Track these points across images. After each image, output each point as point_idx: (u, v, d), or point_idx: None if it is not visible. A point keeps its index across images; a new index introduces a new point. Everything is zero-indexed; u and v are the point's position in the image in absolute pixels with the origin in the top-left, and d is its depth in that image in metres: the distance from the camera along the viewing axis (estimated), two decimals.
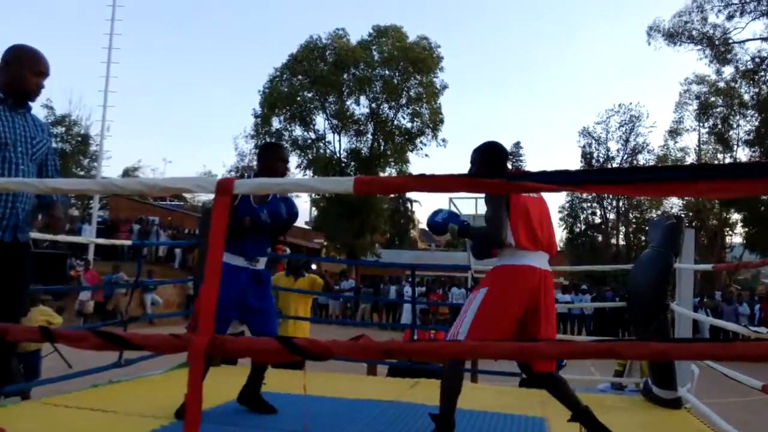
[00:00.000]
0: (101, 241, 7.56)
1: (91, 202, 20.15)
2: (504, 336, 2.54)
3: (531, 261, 2.60)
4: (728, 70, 27.05)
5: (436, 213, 2.86)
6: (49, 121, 28.94)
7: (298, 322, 5.29)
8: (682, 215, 25.17)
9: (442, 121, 27.23)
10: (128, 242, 6.85)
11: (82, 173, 28.95)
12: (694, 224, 25.71)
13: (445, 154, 74.94)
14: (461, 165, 57.80)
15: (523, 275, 2.58)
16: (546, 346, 0.92)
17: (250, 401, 3.15)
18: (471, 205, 21.36)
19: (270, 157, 3.19)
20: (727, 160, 28.70)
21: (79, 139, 29.72)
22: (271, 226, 3.11)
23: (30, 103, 2.47)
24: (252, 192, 1.01)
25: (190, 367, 1.04)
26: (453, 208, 22.34)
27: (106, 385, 3.70)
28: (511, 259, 2.63)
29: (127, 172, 35.45)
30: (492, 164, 2.77)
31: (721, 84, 27.88)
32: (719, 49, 25.99)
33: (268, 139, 28.06)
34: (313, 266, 5.61)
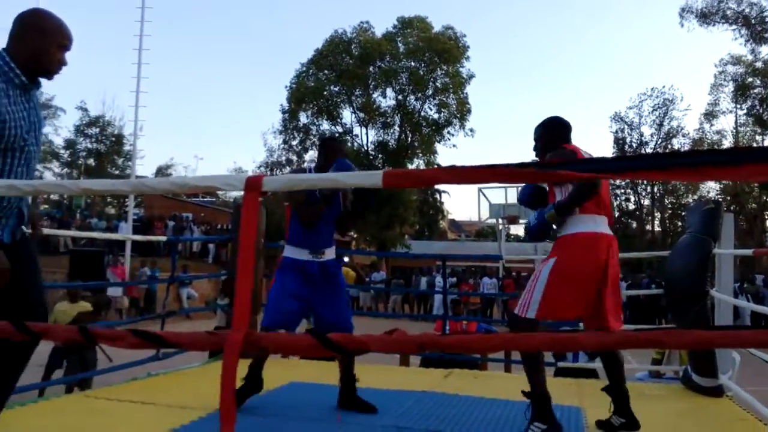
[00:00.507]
0: (137, 237, 7.74)
1: (127, 200, 20.62)
2: (577, 308, 2.52)
3: (597, 227, 2.55)
4: (765, 50, 26.15)
5: (527, 224, 2.92)
6: (84, 122, 29.73)
7: None
8: (720, 199, 24.50)
9: (469, 111, 27.00)
10: (163, 238, 6.97)
11: (117, 173, 29.64)
12: (732, 208, 25.00)
13: (473, 144, 74.31)
14: (490, 154, 57.37)
15: (593, 242, 2.52)
16: (585, 337, 0.90)
17: (349, 402, 3.03)
18: (501, 194, 21.23)
19: (334, 150, 3.15)
20: (767, 142, 27.81)
21: (113, 139, 30.42)
22: (334, 212, 3.11)
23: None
24: (281, 189, 1.02)
25: (224, 362, 1.05)
26: (482, 198, 22.05)
27: (145, 378, 3.78)
28: (576, 226, 2.57)
29: (161, 170, 36.12)
30: (556, 138, 2.79)
31: (759, 64, 26.95)
32: (756, 28, 25.10)
33: (296, 135, 28.27)
34: (345, 259, 5.67)
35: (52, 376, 5.63)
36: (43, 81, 2.08)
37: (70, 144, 30.40)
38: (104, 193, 2.16)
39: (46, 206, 24.29)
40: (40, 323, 1.28)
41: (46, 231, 3.46)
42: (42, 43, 1.97)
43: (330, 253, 3.12)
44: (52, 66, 2.02)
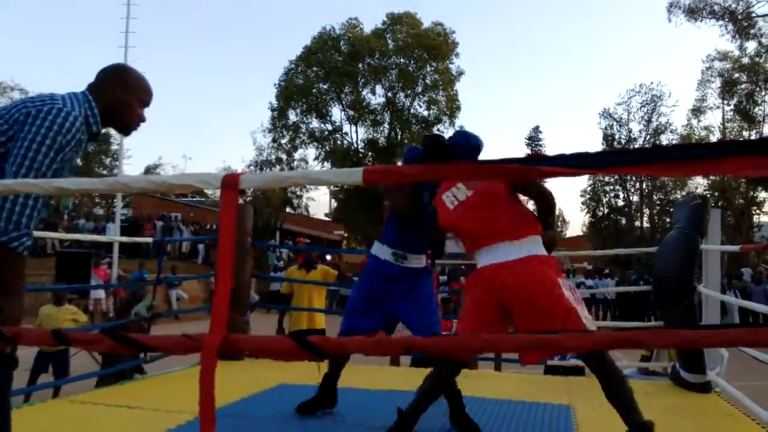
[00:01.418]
0: (123, 239, 7.66)
1: (115, 200, 20.45)
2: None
3: (483, 261, 2.41)
4: (752, 46, 26.38)
5: None
6: None
7: (312, 313, 5.37)
8: (708, 195, 24.68)
9: (459, 108, 27.07)
10: (150, 239, 6.90)
11: (104, 172, 29.41)
12: (720, 204, 25.23)
13: None
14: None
15: (479, 279, 2.41)
16: (566, 338, 0.88)
17: (459, 421, 2.76)
18: None
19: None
20: (753, 137, 28.03)
21: (101, 138, 30.19)
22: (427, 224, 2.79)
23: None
24: (259, 187, 0.98)
25: (202, 365, 1.02)
26: None
27: (132, 381, 3.74)
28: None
29: (149, 170, 35.91)
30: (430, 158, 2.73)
31: (745, 60, 27.19)
32: (742, 24, 25.33)
33: (285, 133, 28.16)
34: (328, 257, 5.67)
35: (37, 381, 5.57)
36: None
37: None
38: (79, 192, 2.09)
39: None
40: (12, 327, 1.24)
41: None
42: (126, 98, 1.97)
43: (415, 261, 2.92)
44: (132, 120, 2.02)
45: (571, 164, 0.99)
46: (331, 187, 28.88)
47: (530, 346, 0.88)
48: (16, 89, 29.74)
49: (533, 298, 2.26)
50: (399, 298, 2.84)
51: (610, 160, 1.03)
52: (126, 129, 2.05)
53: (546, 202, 2.62)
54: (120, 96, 1.95)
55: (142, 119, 2.04)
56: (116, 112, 1.96)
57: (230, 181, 1.08)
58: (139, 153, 67.20)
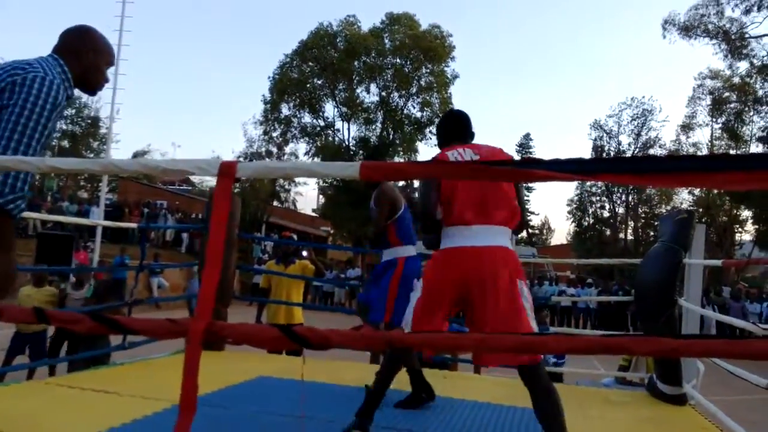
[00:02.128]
0: (107, 223, 7.58)
1: (100, 184, 20.20)
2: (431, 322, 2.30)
3: (467, 241, 2.21)
4: (743, 66, 26.72)
5: None
6: None
7: (290, 308, 5.33)
8: (693, 210, 24.94)
9: None
10: (134, 225, 6.83)
11: (91, 156, 29.07)
12: (704, 220, 25.53)
13: None
14: None
15: (451, 259, 2.23)
16: (553, 340, 0.89)
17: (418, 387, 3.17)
18: None
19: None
20: None
21: (89, 121, 29.81)
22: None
23: None
24: (255, 176, 0.98)
25: (187, 352, 1.02)
26: None
27: (109, 366, 3.71)
28: (444, 242, 2.31)
29: (137, 156, 35.57)
30: (447, 135, 2.66)
31: (736, 79, 27.54)
32: (735, 44, 25.64)
33: (276, 126, 28.04)
34: (304, 253, 5.63)
35: (13, 362, 5.50)
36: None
37: None
38: (73, 171, 2.08)
39: None
40: (3, 283, 1.23)
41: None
42: (95, 61, 2.06)
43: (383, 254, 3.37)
44: (100, 82, 2.13)
45: (564, 169, 1.00)
46: (320, 183, 28.82)
47: (518, 348, 0.89)
48: None
49: (500, 291, 2.14)
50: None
51: (602, 167, 1.04)
52: (94, 91, 2.15)
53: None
54: (92, 60, 2.04)
55: (107, 80, 2.16)
56: (88, 75, 2.05)
57: (227, 169, 1.08)
58: (127, 138, 66.59)
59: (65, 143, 29.73)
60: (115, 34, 16.10)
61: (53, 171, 1.21)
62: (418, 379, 3.14)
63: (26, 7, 47.88)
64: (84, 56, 2.02)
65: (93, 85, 2.11)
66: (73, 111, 29.35)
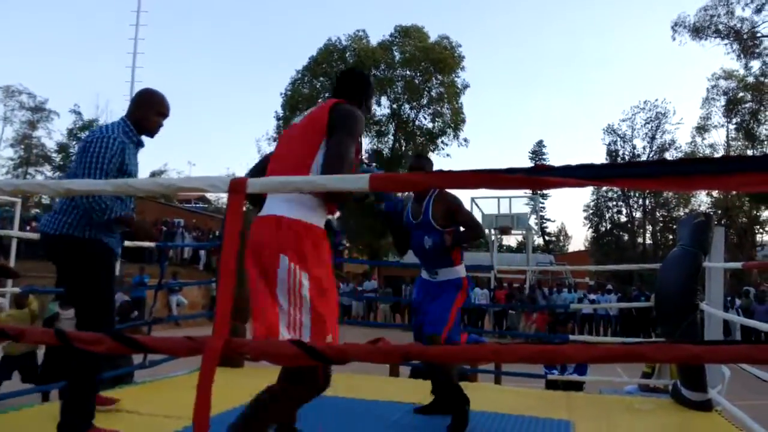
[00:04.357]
0: (126, 243, 7.63)
1: None
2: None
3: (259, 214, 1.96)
4: (756, 65, 26.44)
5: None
6: (77, 126, 29.58)
7: None
8: (711, 213, 24.62)
9: (463, 121, 27.09)
10: (152, 244, 6.86)
11: None
12: (723, 222, 25.17)
13: (467, 154, 74.57)
14: (483, 164, 57.43)
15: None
16: (572, 349, 0.88)
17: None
18: (494, 204, 21.28)
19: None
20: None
21: (115, 122, 30.21)
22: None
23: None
24: (265, 191, 0.98)
25: (202, 368, 1.02)
26: (475, 208, 21.98)
27: (131, 385, 3.72)
28: None
29: (154, 175, 36.00)
30: (352, 93, 2.19)
31: (750, 79, 27.25)
32: (747, 43, 25.40)
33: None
34: None
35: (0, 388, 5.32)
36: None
37: (62, 147, 30.21)
38: (88, 193, 2.14)
39: (37, 210, 24.10)
40: (13, 326, 1.25)
41: (30, 235, 3.82)
42: (146, 113, 2.74)
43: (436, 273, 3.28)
44: (153, 128, 2.78)
45: (577, 175, 0.99)
46: None
47: (537, 358, 0.88)
48: (24, 93, 29.96)
49: (261, 270, 1.80)
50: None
51: (616, 173, 1.04)
52: (149, 134, 2.80)
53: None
54: (143, 112, 2.74)
55: (160, 125, 2.81)
56: (142, 124, 2.74)
57: (237, 185, 1.09)
58: (144, 158, 67.42)
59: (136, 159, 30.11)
60: (129, 57, 16.38)
61: (70, 194, 1.23)
62: (445, 389, 3.09)
63: (35, 14, 48.89)
64: (138, 109, 2.74)
65: (146, 131, 2.78)
66: (88, 133, 29.79)
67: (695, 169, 0.88)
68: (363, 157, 2.50)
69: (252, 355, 1.09)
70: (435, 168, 3.42)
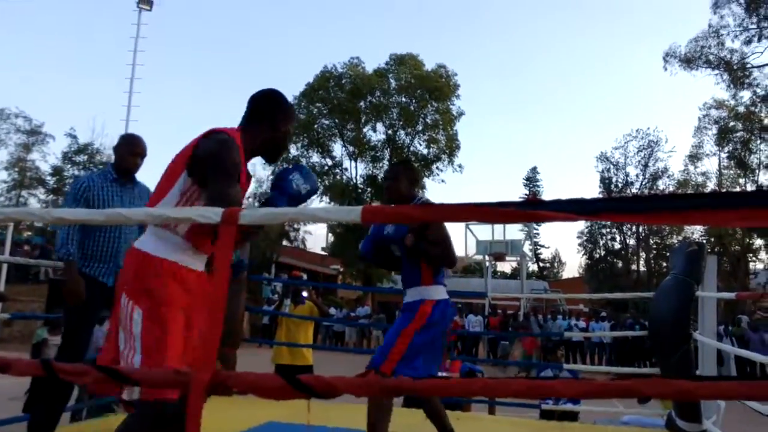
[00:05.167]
0: None
1: None
2: None
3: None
4: (747, 95, 26.85)
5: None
6: (72, 149, 29.57)
7: (297, 349, 5.29)
8: (704, 241, 24.73)
9: (458, 147, 27.28)
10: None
11: None
12: (716, 250, 25.27)
13: (461, 180, 75.02)
14: (478, 189, 57.63)
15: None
16: (562, 385, 0.87)
17: None
18: (488, 231, 21.32)
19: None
20: (748, 185, 28.26)
21: (101, 166, 30.18)
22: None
23: (137, 178, 3.18)
24: (259, 222, 0.97)
25: (189, 404, 1.00)
26: (469, 234, 21.94)
27: (116, 415, 3.66)
28: None
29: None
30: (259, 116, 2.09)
31: (741, 108, 27.64)
32: (737, 73, 25.83)
33: (285, 165, 28.31)
34: (304, 293, 5.62)
35: None
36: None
37: (57, 171, 30.12)
38: (78, 222, 2.12)
39: (29, 233, 23.95)
40: (1, 357, 1.23)
41: (20, 260, 4.02)
42: (121, 153, 3.14)
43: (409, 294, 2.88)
44: (130, 166, 3.12)
45: (569, 210, 0.99)
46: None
47: (528, 393, 0.87)
48: (20, 116, 30.00)
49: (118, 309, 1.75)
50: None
51: (608, 207, 1.04)
52: (129, 173, 3.17)
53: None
54: (117, 155, 3.19)
55: (138, 164, 3.18)
56: (119, 165, 3.15)
57: (230, 217, 1.08)
58: (141, 179, 67.26)
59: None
60: (126, 81, 16.49)
61: (59, 222, 1.22)
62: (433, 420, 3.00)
63: (30, 35, 49.25)
64: (116, 151, 3.24)
65: (125, 170, 3.14)
66: (86, 157, 29.77)
67: (688, 204, 0.89)
68: (276, 171, 2.37)
69: (238, 389, 1.07)
70: (427, 192, 3.17)
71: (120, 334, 1.66)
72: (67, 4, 52.46)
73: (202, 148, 1.81)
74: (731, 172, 30.00)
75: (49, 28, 49.46)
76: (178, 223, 1.70)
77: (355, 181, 28.07)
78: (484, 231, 21.40)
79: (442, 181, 27.98)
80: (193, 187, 1.78)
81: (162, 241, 1.75)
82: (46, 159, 30.39)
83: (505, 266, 37.80)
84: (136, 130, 25.63)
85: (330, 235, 31.63)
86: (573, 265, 70.42)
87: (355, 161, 28.17)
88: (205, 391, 1.00)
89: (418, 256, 2.78)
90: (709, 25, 25.89)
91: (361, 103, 27.20)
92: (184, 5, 55.65)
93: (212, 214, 1.17)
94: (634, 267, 34.45)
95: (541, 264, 46.73)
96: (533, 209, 1.01)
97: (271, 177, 28.79)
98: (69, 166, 30.02)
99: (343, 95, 27.00)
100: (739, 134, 28.39)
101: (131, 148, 3.13)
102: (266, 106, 2.06)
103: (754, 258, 30.00)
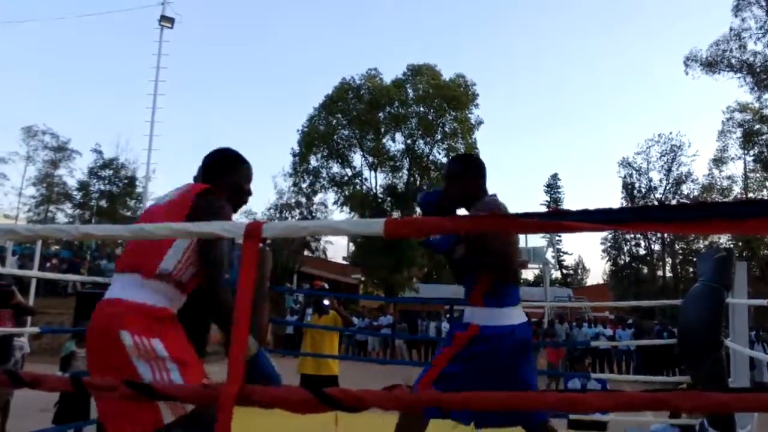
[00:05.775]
0: None
1: None
2: None
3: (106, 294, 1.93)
4: None
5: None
6: (98, 164, 30.18)
7: (323, 359, 5.29)
8: (732, 246, 24.22)
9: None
10: None
11: (129, 214, 29.91)
12: (744, 255, 24.74)
13: None
14: (499, 197, 57.23)
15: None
16: (594, 398, 0.85)
17: None
18: None
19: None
20: None
21: (126, 181, 30.74)
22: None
23: None
24: (282, 236, 0.98)
25: (219, 417, 1.01)
26: None
27: None
28: None
29: None
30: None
31: (765, 111, 27.15)
32: (760, 76, 25.40)
33: (305, 177, 28.51)
34: (326, 302, 5.62)
35: None
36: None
37: (83, 186, 30.74)
38: (104, 238, 2.17)
39: (57, 247, 24.42)
40: (32, 372, 1.25)
41: (49, 275, 3.89)
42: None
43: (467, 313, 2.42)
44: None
45: (594, 219, 0.98)
46: None
47: (559, 406, 0.86)
48: (47, 133, 30.71)
49: (96, 355, 1.81)
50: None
51: (633, 217, 1.02)
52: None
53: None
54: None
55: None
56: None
57: (252, 230, 1.09)
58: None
59: (103, 203, 30.62)
60: (149, 97, 16.80)
61: (86, 238, 1.24)
62: None
63: (55, 53, 50.44)
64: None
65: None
66: (111, 172, 30.34)
67: (714, 212, 0.87)
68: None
69: (265, 403, 1.08)
70: (477, 172, 2.50)
71: (140, 367, 1.62)
72: (92, 24, 53.79)
73: (199, 206, 1.91)
74: (757, 175, 29.42)
75: (74, 47, 50.69)
76: (183, 270, 1.87)
77: (375, 191, 28.14)
78: None
79: None
80: (192, 245, 1.89)
81: (154, 293, 1.83)
82: (72, 174, 31.09)
83: (528, 273, 37.48)
84: (159, 144, 26.06)
85: (351, 244, 31.72)
86: (597, 271, 69.49)
87: (375, 171, 28.26)
88: (233, 404, 1.01)
89: (471, 269, 2.33)
90: (731, 29, 25.58)
91: (380, 114, 27.32)
92: (204, 22, 56.67)
93: (235, 228, 1.18)
94: (659, 273, 33.90)
95: (564, 271, 46.23)
96: (557, 219, 1.00)
97: (292, 187, 29.04)
98: (95, 180, 30.63)
99: (361, 106, 27.16)
100: (764, 137, 27.87)
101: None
102: (229, 167, 2.21)
103: None
